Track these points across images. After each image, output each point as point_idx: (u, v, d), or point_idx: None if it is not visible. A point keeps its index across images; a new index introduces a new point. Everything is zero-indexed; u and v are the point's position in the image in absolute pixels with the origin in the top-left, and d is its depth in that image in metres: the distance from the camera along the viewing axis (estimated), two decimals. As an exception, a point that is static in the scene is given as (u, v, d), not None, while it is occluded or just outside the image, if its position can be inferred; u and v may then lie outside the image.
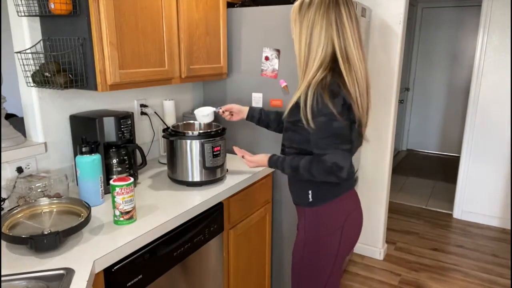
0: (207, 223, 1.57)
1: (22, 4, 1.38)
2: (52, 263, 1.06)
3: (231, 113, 1.70)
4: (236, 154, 1.56)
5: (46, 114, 1.56)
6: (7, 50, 1.64)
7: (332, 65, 1.22)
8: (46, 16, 1.43)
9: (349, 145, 1.23)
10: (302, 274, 1.39)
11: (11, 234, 1.13)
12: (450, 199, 3.82)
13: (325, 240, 1.33)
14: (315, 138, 1.22)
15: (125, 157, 1.61)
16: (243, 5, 2.07)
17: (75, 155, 1.50)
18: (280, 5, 1.92)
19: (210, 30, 1.88)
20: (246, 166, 1.85)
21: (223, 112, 1.69)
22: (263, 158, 1.45)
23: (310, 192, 1.34)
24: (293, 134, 1.31)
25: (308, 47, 1.23)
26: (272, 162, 1.41)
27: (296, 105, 1.25)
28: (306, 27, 1.23)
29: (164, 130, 1.73)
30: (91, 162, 1.42)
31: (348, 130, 1.23)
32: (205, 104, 2.28)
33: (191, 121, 1.87)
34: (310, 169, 1.24)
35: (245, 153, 1.53)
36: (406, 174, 4.74)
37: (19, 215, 1.25)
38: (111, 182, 1.28)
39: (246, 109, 1.68)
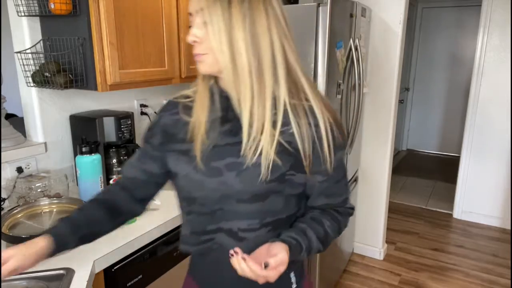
0: (207, 223, 1.56)
1: (22, 4, 1.38)
2: (52, 263, 1.06)
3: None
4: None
5: (46, 114, 1.56)
6: (7, 50, 1.64)
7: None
8: (46, 16, 1.43)
9: None
10: None
11: (11, 234, 1.13)
12: (450, 199, 3.82)
13: None
14: (331, 184, 0.86)
15: (125, 157, 1.61)
16: (243, 5, 2.07)
17: (75, 155, 1.50)
18: (280, 5, 1.92)
19: (210, 30, 1.88)
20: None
21: None
22: (283, 254, 0.76)
23: (292, 274, 0.90)
24: (277, 198, 0.81)
25: (257, 50, 0.75)
26: (293, 252, 0.79)
27: (280, 147, 0.78)
28: (245, 23, 0.74)
29: (164, 130, 1.73)
30: (91, 162, 1.42)
31: None
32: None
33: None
34: (340, 228, 0.91)
35: (261, 269, 0.73)
36: (406, 174, 4.74)
37: (19, 215, 1.26)
38: (111, 182, 1.28)
39: (45, 245, 0.82)
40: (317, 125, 0.79)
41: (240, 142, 0.78)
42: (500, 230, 3.39)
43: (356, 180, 2.71)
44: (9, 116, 2.15)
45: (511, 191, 3.32)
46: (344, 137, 0.85)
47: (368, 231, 2.90)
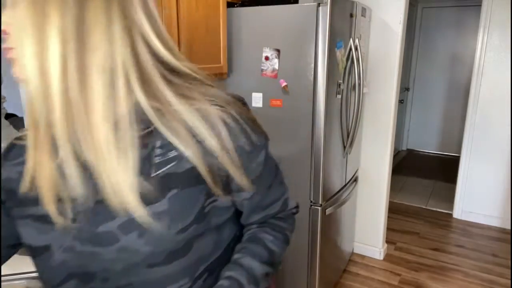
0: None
1: (22, 4, 1.38)
2: (52, 263, 1.06)
3: None
4: None
5: (46, 114, 1.55)
6: (7, 50, 1.64)
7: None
8: (46, 16, 1.42)
9: None
10: None
11: (11, 234, 1.13)
12: (450, 199, 3.82)
13: None
14: (263, 193, 0.69)
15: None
16: (243, 5, 2.07)
17: (75, 155, 1.49)
18: (280, 5, 1.92)
19: (210, 30, 1.88)
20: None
21: None
22: None
23: None
24: (203, 240, 0.62)
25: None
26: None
27: (188, 172, 0.58)
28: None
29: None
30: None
31: None
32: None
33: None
34: (287, 237, 0.76)
35: None
36: (406, 174, 4.74)
37: (19, 215, 1.25)
38: None
39: None
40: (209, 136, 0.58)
41: None
42: (500, 230, 3.39)
43: (356, 180, 2.71)
44: (9, 116, 2.14)
45: (511, 191, 3.32)
46: (260, 130, 0.65)
47: (368, 231, 2.90)
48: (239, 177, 0.61)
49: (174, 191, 0.57)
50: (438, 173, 4.81)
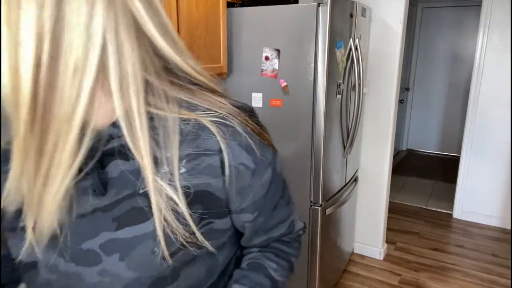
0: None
1: (22, 4, 1.38)
2: (52, 263, 1.06)
3: None
4: None
5: (46, 114, 1.55)
6: (7, 50, 1.64)
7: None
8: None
9: None
10: None
11: (11, 234, 1.13)
12: (450, 199, 3.82)
13: None
14: (267, 214, 0.62)
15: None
16: (243, 5, 2.07)
17: (75, 155, 1.49)
18: (280, 5, 1.92)
19: (210, 30, 1.88)
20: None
21: None
22: None
23: None
24: (195, 266, 0.57)
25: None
26: None
27: (199, 194, 0.53)
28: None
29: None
30: (91, 162, 1.41)
31: None
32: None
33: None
34: (292, 265, 0.69)
35: None
36: (406, 174, 4.74)
37: (19, 215, 1.25)
38: None
39: None
40: (218, 150, 0.53)
41: (114, 203, 0.52)
42: (500, 230, 3.39)
43: (356, 180, 2.71)
44: (9, 116, 2.14)
45: (511, 191, 3.32)
46: (268, 143, 0.59)
47: (368, 231, 2.90)
48: (239, 199, 0.56)
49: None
50: (438, 173, 4.81)
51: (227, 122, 0.53)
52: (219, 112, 0.54)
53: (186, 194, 0.51)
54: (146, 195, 0.51)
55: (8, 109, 0.44)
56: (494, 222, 3.45)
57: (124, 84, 0.47)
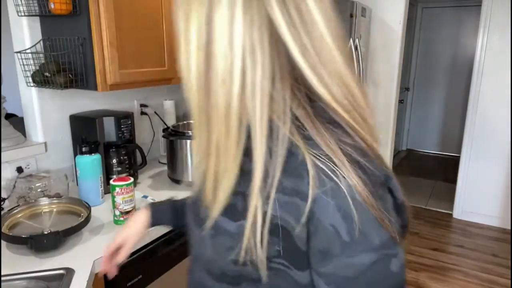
0: (207, 223, 1.56)
1: (22, 4, 1.38)
2: (52, 263, 1.06)
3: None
4: None
5: (46, 114, 1.56)
6: (7, 50, 1.64)
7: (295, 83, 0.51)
8: (46, 16, 1.43)
9: None
10: None
11: (11, 234, 1.13)
12: (450, 199, 3.82)
13: None
14: None
15: (125, 157, 1.61)
16: (243, 5, 2.07)
17: (75, 155, 1.50)
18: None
19: (210, 30, 1.88)
20: None
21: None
22: None
23: None
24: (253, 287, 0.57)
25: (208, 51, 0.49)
26: None
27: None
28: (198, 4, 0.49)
29: (164, 130, 1.73)
30: (91, 162, 1.42)
31: None
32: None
33: (191, 121, 1.87)
34: None
35: None
36: (406, 174, 4.74)
37: (19, 215, 1.25)
38: (111, 182, 1.28)
39: (142, 223, 0.89)
40: (309, 195, 0.47)
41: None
42: (500, 230, 3.39)
43: (356, 180, 2.71)
44: (9, 116, 2.15)
45: (511, 191, 3.32)
46: (385, 228, 0.48)
47: (368, 231, 2.89)
48: (319, 260, 0.50)
49: (244, 222, 0.51)
50: (438, 173, 4.81)
51: (332, 176, 0.46)
52: (331, 160, 0.46)
53: (272, 221, 0.49)
54: (245, 199, 0.51)
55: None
56: (494, 222, 3.45)
57: (252, 90, 0.47)
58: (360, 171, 0.47)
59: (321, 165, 0.46)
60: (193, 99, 0.52)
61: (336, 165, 0.46)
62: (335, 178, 0.46)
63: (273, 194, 0.48)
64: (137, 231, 0.88)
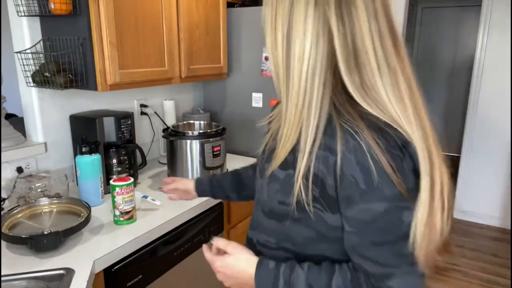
0: (207, 223, 1.56)
1: (22, 4, 1.38)
2: (52, 263, 1.06)
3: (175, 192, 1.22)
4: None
5: (46, 114, 1.56)
6: (7, 50, 1.64)
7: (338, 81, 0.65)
8: (46, 16, 1.43)
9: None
10: None
11: (11, 234, 1.13)
12: (450, 199, 3.81)
13: None
14: (365, 242, 0.63)
15: (125, 157, 1.61)
16: (243, 5, 2.07)
17: (75, 155, 1.50)
18: (280, 5, 1.92)
19: (210, 30, 1.88)
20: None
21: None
22: (244, 266, 0.73)
23: None
24: (296, 227, 0.70)
25: (288, 52, 0.64)
26: (265, 273, 0.70)
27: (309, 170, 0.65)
28: (282, 11, 0.64)
29: (164, 130, 1.73)
30: (91, 162, 1.42)
31: None
32: (206, 103, 2.28)
33: (191, 121, 1.87)
34: None
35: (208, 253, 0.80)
36: (406, 174, 4.74)
37: (19, 215, 1.25)
38: (111, 182, 1.28)
39: (192, 186, 1.17)
40: (337, 150, 0.61)
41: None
42: (500, 230, 3.39)
43: (356, 180, 2.71)
44: (9, 116, 2.15)
45: (511, 191, 3.32)
46: (396, 183, 0.58)
47: (368, 231, 2.89)
48: (344, 205, 0.63)
49: (291, 171, 0.67)
50: (438, 173, 4.80)
51: (355, 135, 0.60)
52: (355, 123, 0.61)
53: (313, 171, 0.63)
54: (294, 154, 0.66)
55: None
56: (494, 222, 3.45)
57: (314, 68, 0.63)
58: (377, 135, 0.59)
59: (347, 128, 0.61)
60: (278, 72, 0.67)
61: (359, 130, 0.59)
62: (357, 138, 0.59)
63: (315, 151, 0.63)
64: (186, 186, 1.18)
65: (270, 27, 0.66)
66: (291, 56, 0.63)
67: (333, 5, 0.60)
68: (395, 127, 0.61)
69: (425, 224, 0.63)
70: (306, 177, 0.64)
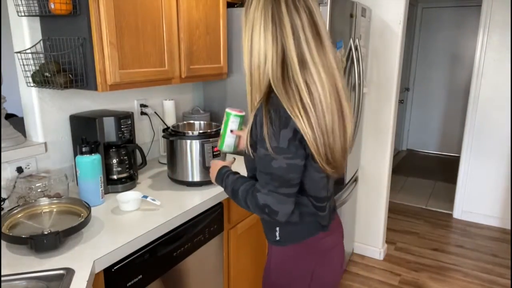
0: (207, 223, 1.56)
1: (22, 4, 1.38)
2: (52, 263, 1.06)
3: None
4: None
5: (46, 114, 1.56)
6: (7, 50, 1.64)
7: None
8: (46, 16, 1.43)
9: (292, 188, 1.01)
10: None
11: (11, 234, 1.13)
12: (450, 199, 3.82)
13: (292, 286, 1.15)
14: (258, 168, 1.03)
15: (125, 157, 1.61)
16: (243, 5, 2.07)
17: (75, 155, 1.50)
18: (280, 5, 1.92)
19: (210, 30, 1.88)
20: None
21: None
22: (216, 166, 1.27)
23: (277, 229, 1.13)
24: (248, 160, 1.14)
25: (250, 54, 1.01)
26: (219, 175, 1.22)
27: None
28: (248, 29, 1.01)
29: (164, 130, 1.73)
30: (91, 162, 1.42)
31: (294, 171, 0.99)
32: (206, 103, 2.28)
33: (191, 121, 1.86)
34: (246, 199, 1.07)
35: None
36: (406, 174, 4.74)
37: (19, 215, 1.25)
38: (226, 110, 1.28)
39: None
40: (257, 116, 1.00)
41: None
42: (500, 230, 3.39)
43: (356, 180, 2.71)
44: (9, 116, 2.15)
45: (511, 191, 3.32)
46: (264, 133, 0.96)
47: (368, 231, 2.90)
48: (251, 148, 1.06)
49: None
50: (438, 173, 4.81)
51: (260, 109, 0.98)
52: (264, 103, 0.98)
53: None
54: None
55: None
56: (494, 222, 3.45)
57: (264, 73, 1.02)
58: (270, 113, 0.96)
59: (260, 106, 0.99)
60: (247, 76, 1.05)
61: (264, 106, 0.97)
62: (261, 111, 0.97)
63: (252, 118, 1.02)
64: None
65: (244, 44, 1.04)
66: (253, 63, 1.02)
67: (270, 30, 0.97)
68: (287, 108, 0.94)
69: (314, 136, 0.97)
70: (249, 129, 1.02)
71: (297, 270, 1.13)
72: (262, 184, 1.02)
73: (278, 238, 1.14)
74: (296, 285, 1.14)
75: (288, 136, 0.95)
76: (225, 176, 1.19)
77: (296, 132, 0.94)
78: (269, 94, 0.97)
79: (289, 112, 0.93)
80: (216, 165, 1.27)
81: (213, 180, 1.27)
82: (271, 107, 0.95)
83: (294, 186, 1.01)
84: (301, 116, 0.93)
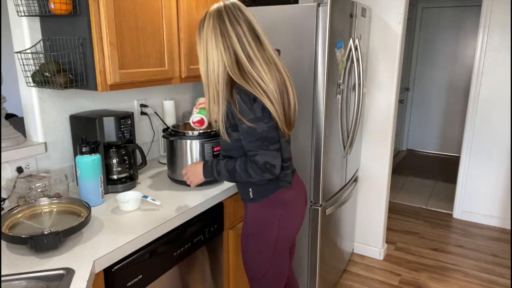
0: (207, 223, 1.57)
1: (22, 4, 1.38)
2: (52, 263, 1.06)
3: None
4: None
5: (46, 114, 1.56)
6: (7, 50, 1.65)
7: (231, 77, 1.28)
8: (46, 16, 1.43)
9: (277, 144, 1.31)
10: (247, 262, 1.50)
11: (11, 234, 1.13)
12: (450, 199, 3.82)
13: (264, 233, 1.42)
14: (245, 141, 1.29)
15: (125, 157, 1.61)
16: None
17: (75, 155, 1.50)
18: (280, 5, 1.92)
19: (210, 30, 1.88)
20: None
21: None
22: (197, 166, 1.44)
23: (250, 189, 1.41)
24: (225, 143, 1.38)
25: (206, 62, 1.28)
26: (207, 168, 1.40)
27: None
28: (203, 44, 1.28)
29: (164, 130, 1.73)
30: (91, 162, 1.42)
31: (274, 130, 1.29)
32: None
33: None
34: (247, 169, 1.30)
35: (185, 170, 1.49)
36: (406, 174, 4.74)
37: (19, 215, 1.26)
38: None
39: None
40: (231, 103, 1.27)
41: None
42: (500, 230, 3.39)
43: (356, 180, 2.71)
44: (9, 116, 2.15)
45: (511, 191, 3.32)
46: (240, 112, 1.24)
47: (368, 231, 2.90)
48: (234, 128, 1.32)
49: (221, 123, 1.33)
50: (438, 173, 4.81)
51: (233, 94, 1.25)
52: (234, 91, 1.25)
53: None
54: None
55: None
56: (494, 222, 3.45)
57: (220, 76, 1.29)
58: (240, 94, 1.24)
59: (233, 93, 1.25)
60: (203, 78, 1.31)
61: (234, 92, 1.24)
62: (234, 96, 1.24)
63: (224, 107, 1.28)
64: None
65: (200, 55, 1.30)
66: (209, 69, 1.27)
67: (220, 41, 1.24)
68: (251, 91, 1.23)
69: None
70: (223, 119, 1.29)
71: (267, 219, 1.42)
72: (255, 149, 1.28)
73: (251, 196, 1.42)
74: (267, 231, 1.42)
75: (260, 107, 1.24)
76: (214, 165, 1.39)
77: (264, 107, 1.25)
78: (232, 86, 1.25)
79: (254, 93, 1.23)
80: (194, 165, 1.46)
81: (198, 180, 1.45)
82: (239, 92, 1.23)
83: (278, 142, 1.31)
84: (263, 95, 1.23)
